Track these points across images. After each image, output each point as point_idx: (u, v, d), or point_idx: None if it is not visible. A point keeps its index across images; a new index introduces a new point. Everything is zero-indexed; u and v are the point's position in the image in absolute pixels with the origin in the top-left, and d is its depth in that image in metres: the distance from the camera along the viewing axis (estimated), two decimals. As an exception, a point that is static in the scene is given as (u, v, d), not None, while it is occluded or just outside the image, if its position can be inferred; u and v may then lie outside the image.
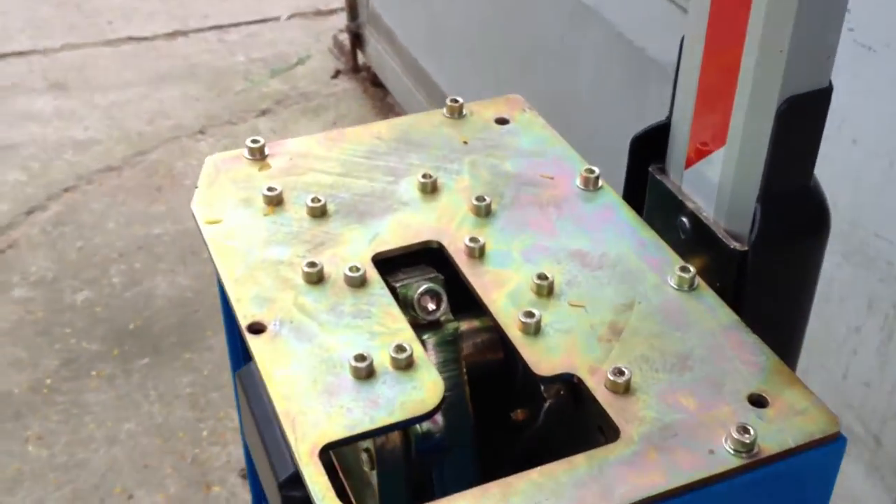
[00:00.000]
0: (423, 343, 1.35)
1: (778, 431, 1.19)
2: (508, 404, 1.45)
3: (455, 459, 1.36)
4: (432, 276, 1.40)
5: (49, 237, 4.36)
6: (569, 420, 1.33)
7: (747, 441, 1.15)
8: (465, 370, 1.38)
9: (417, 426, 1.27)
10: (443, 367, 1.36)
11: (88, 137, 4.96)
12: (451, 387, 1.36)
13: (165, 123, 5.05)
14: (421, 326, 1.37)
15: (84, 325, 3.94)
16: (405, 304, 1.37)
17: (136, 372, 3.76)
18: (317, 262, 1.37)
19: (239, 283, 1.36)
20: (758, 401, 1.23)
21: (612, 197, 1.54)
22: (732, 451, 1.16)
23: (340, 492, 1.14)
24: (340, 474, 1.40)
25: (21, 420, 3.56)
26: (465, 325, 1.41)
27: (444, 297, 1.37)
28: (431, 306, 1.37)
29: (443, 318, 1.38)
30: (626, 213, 1.51)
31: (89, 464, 3.44)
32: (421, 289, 1.36)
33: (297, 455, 1.13)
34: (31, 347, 3.84)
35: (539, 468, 1.14)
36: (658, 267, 1.41)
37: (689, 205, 1.51)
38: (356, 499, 1.36)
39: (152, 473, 3.43)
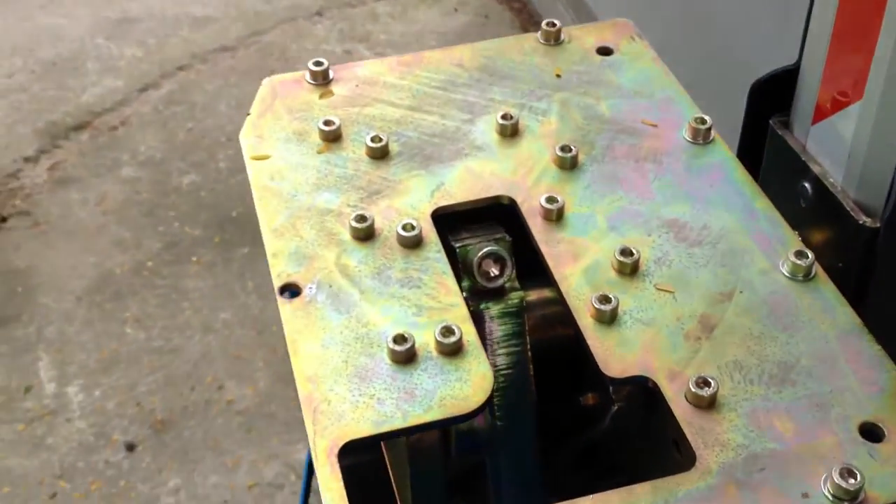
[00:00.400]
0: (481, 314, 1.17)
1: (892, 476, 0.97)
2: (578, 387, 1.27)
3: (513, 447, 1.19)
4: (498, 236, 1.20)
5: (160, 116, 4.30)
6: (642, 425, 1.14)
7: (852, 487, 0.94)
8: (529, 346, 1.20)
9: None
10: (504, 341, 1.18)
11: (205, 15, 4.84)
12: (513, 364, 1.18)
13: (283, 3, 4.88)
14: (482, 294, 1.18)
15: (188, 209, 3.89)
16: (465, 267, 1.18)
17: (235, 261, 3.71)
18: (367, 215, 1.19)
19: (277, 235, 1.19)
20: (872, 432, 1.01)
21: (723, 154, 1.30)
22: (831, 498, 0.95)
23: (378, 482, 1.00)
24: (386, 459, 1.25)
25: (121, 301, 3.56)
26: (533, 295, 1.22)
27: (510, 263, 1.18)
28: (494, 272, 1.18)
29: (507, 286, 1.19)
30: (739, 175, 1.28)
31: (183, 350, 3.42)
32: (482, 251, 1.17)
33: (313, 451, 0.98)
34: (136, 228, 3.82)
35: (592, 497, 0.96)
36: (769, 247, 1.19)
37: (814, 168, 1.27)
38: (398, 487, 1.21)
39: (244, 365, 3.39)
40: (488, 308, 1.18)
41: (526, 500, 1.20)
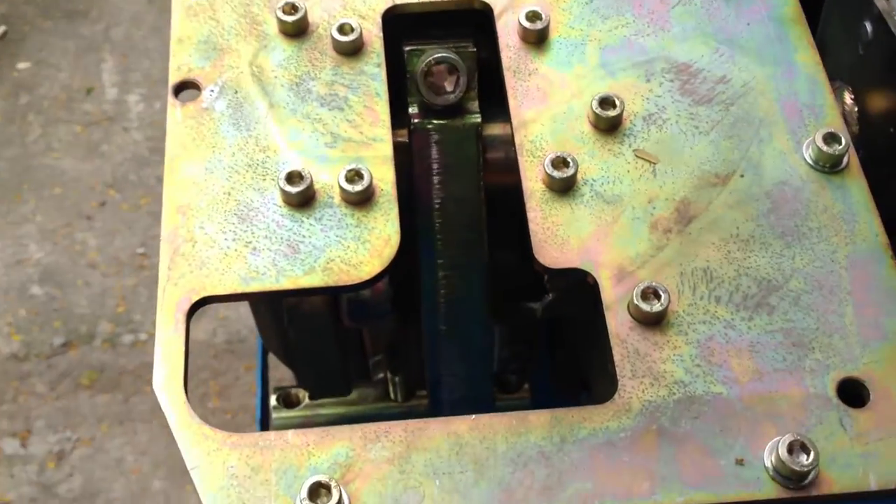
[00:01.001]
0: (424, 136, 0.95)
1: (862, 457, 0.76)
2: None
3: (457, 308, 1.00)
4: (462, 45, 0.96)
5: None
6: (582, 322, 0.93)
7: (800, 467, 0.74)
8: (482, 185, 0.98)
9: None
10: (453, 170, 0.97)
11: None
12: (459, 202, 0.97)
13: None
14: (431, 112, 0.96)
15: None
16: (413, 77, 0.95)
17: None
18: (300, 4, 0.96)
19: (190, 14, 0.97)
20: (853, 392, 0.79)
21: (780, -21, 1.00)
22: (771, 473, 0.75)
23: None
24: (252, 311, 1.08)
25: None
26: (497, 129, 0.99)
27: (464, 77, 0.94)
28: (447, 86, 0.94)
29: (463, 104, 0.96)
30: (788, 12, 0.98)
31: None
32: (433, 56, 0.94)
33: (159, 301, 0.82)
34: None
35: (475, 417, 0.78)
36: (798, 120, 0.91)
37: (879, 3, 0.96)
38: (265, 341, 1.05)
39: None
40: (433, 127, 0.95)
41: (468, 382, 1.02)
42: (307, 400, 0.95)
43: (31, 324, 2.83)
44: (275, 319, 1.02)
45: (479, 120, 0.95)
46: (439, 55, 0.94)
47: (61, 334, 2.83)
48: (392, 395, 1.02)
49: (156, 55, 3.22)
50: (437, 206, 0.96)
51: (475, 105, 0.96)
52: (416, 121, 0.94)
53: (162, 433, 2.73)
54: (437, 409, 0.99)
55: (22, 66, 3.19)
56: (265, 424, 1.52)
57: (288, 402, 0.94)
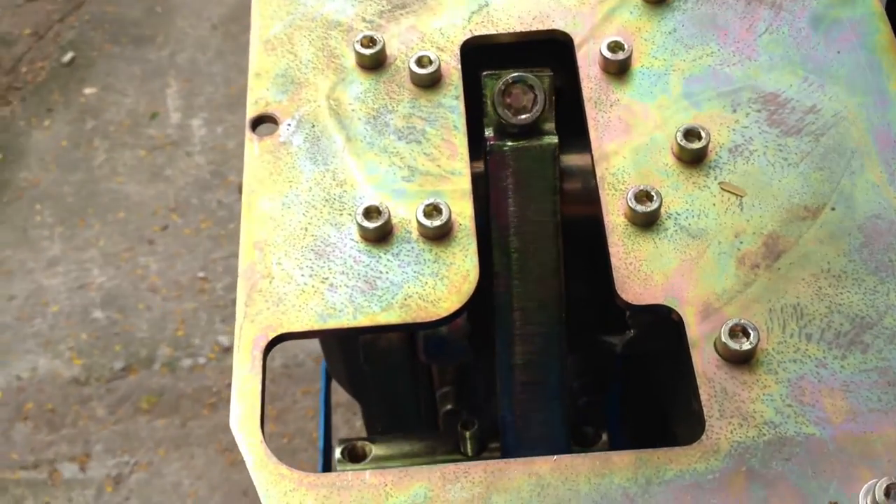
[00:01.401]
0: (500, 157, 0.93)
1: (962, 502, 0.73)
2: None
3: (529, 346, 0.97)
4: (538, 71, 0.94)
5: None
6: (666, 361, 0.91)
7: (899, 511, 0.71)
8: (559, 209, 0.94)
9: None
10: (530, 193, 0.94)
11: None
12: (535, 228, 0.93)
13: None
14: (508, 136, 0.94)
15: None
16: (490, 103, 0.93)
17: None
18: (378, 37, 0.95)
19: (268, 48, 0.97)
20: (954, 433, 0.76)
21: (869, 6, 0.97)
22: (869, 517, 0.72)
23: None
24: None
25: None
26: (575, 160, 0.97)
27: (543, 97, 0.92)
28: (524, 106, 0.92)
29: (540, 126, 0.93)
30: (881, 40, 0.95)
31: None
32: (511, 76, 0.91)
33: (237, 338, 0.81)
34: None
35: (557, 458, 0.76)
36: (891, 151, 0.89)
37: None
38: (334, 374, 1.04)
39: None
40: (509, 149, 0.93)
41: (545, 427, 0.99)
42: (374, 453, 0.93)
43: (92, 347, 2.86)
44: (345, 353, 1.01)
45: (556, 141, 0.92)
46: (516, 75, 0.92)
47: (121, 358, 2.86)
48: (462, 449, 1.00)
49: (219, 80, 3.26)
50: (512, 230, 0.93)
51: (552, 127, 0.93)
52: (491, 143, 0.92)
53: (218, 458, 2.74)
54: (509, 456, 0.97)
55: (88, 91, 3.25)
56: (327, 457, 1.50)
57: (353, 455, 0.92)
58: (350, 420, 2.75)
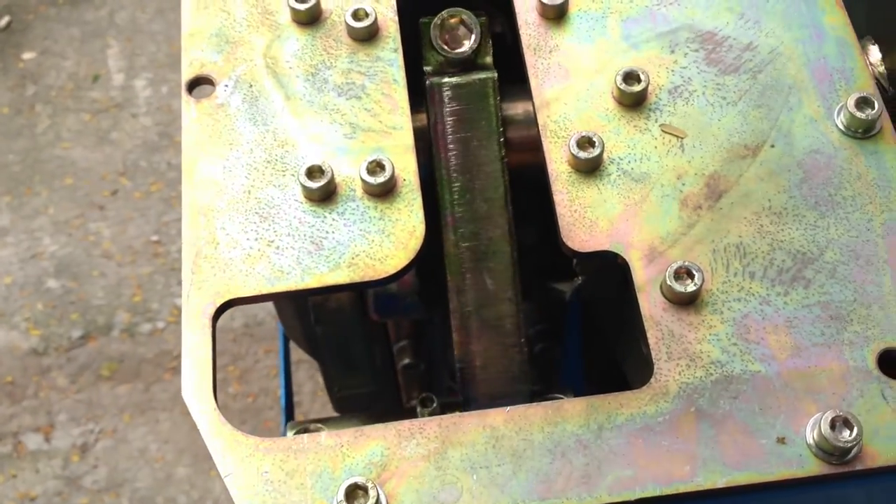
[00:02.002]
0: (441, 90, 0.92)
1: (905, 428, 0.75)
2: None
3: (491, 271, 0.94)
4: (474, 13, 0.94)
5: None
6: (614, 304, 0.92)
7: (843, 443, 0.73)
8: (503, 140, 0.94)
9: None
10: (472, 126, 0.93)
11: None
12: (482, 151, 0.92)
13: None
14: (446, 73, 0.94)
15: None
16: (428, 41, 0.93)
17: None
18: (313, -9, 0.94)
19: (200, 7, 0.95)
20: (894, 363, 0.78)
21: (803, -60, 0.97)
22: (814, 449, 0.74)
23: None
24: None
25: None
26: (519, 108, 0.96)
27: (479, 31, 0.93)
28: (462, 39, 0.93)
29: (480, 61, 0.94)
30: (816, -25, 0.95)
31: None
32: (446, 11, 0.92)
33: (184, 306, 0.81)
34: None
35: (510, 409, 0.77)
36: (829, 85, 0.89)
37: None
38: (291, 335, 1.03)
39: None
40: (448, 83, 0.92)
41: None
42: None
43: (48, 317, 2.83)
44: (298, 313, 1.00)
45: (495, 75, 0.93)
46: (451, 9, 0.92)
47: (79, 326, 2.83)
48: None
49: (161, 38, 3.20)
50: (456, 165, 0.92)
51: (490, 62, 0.94)
52: (431, 80, 0.91)
53: (184, 421, 2.73)
54: (469, 408, 0.96)
55: (27, 56, 3.17)
56: (290, 417, 1.51)
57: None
58: (314, 376, 2.76)
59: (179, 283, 2.85)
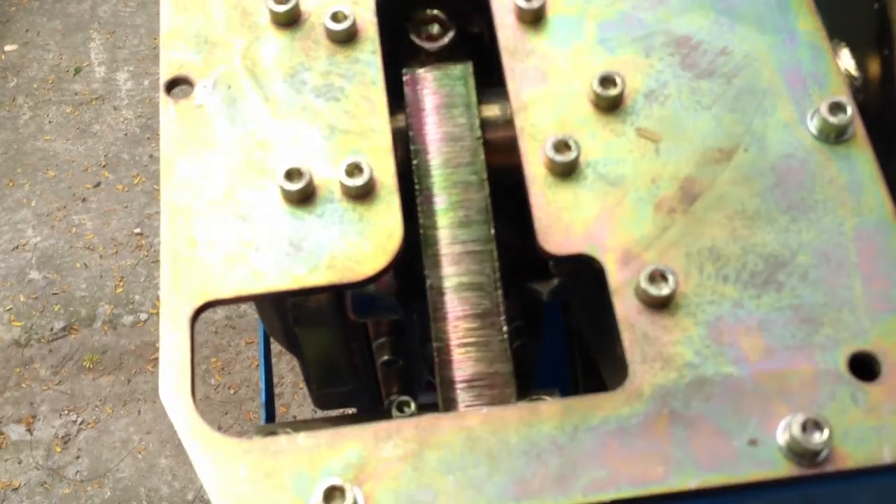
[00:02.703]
0: (419, 77, 0.94)
1: (875, 430, 0.76)
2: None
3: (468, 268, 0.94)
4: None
5: None
6: (591, 306, 0.93)
7: (813, 445, 0.74)
8: (480, 127, 0.94)
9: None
10: (448, 111, 0.94)
11: None
12: (460, 136, 0.93)
13: None
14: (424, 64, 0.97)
15: None
16: (406, 36, 0.96)
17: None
18: (293, -7, 0.94)
19: (180, 7, 0.96)
20: (865, 365, 0.79)
21: (778, -55, 0.98)
22: (785, 451, 0.75)
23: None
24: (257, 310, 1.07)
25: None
26: (496, 110, 0.97)
27: (454, 27, 0.96)
28: (438, 33, 0.96)
29: (456, 54, 0.97)
30: (792, -21, 0.96)
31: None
32: (424, 9, 0.95)
33: (162, 307, 0.81)
34: None
35: (487, 411, 0.78)
36: (802, 90, 0.90)
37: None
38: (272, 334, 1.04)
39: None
40: (425, 70, 0.95)
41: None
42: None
43: (30, 309, 2.83)
44: (277, 311, 1.01)
45: (470, 64, 0.94)
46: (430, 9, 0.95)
47: (62, 318, 2.83)
48: None
49: (143, 31, 3.19)
50: (433, 149, 0.93)
51: (466, 56, 0.96)
52: (409, 69, 0.93)
53: (165, 412, 2.74)
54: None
55: (9, 48, 3.16)
56: (270, 411, 1.51)
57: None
58: (295, 367, 2.76)
59: (162, 275, 2.85)
